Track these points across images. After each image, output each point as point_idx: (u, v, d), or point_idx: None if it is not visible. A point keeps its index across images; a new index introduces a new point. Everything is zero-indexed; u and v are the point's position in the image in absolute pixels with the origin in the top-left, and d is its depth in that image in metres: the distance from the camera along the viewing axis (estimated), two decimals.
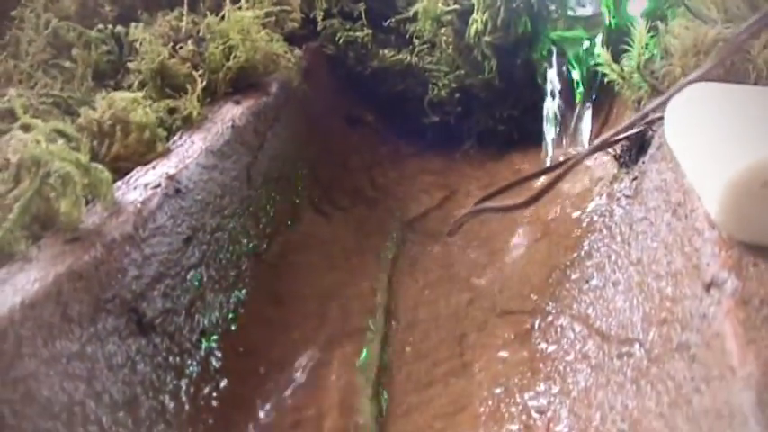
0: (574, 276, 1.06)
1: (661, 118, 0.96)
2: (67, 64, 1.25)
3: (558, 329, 0.98)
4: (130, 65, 1.22)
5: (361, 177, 1.53)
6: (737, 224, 0.67)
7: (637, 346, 0.79)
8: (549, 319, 1.02)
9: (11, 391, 0.65)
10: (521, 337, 1.02)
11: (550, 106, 1.51)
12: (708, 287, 0.65)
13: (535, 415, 0.87)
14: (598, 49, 1.17)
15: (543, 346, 0.97)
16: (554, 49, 1.54)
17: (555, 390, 0.88)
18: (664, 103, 0.94)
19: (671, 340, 0.70)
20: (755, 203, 0.65)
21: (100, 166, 0.88)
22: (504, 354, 1.00)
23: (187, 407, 0.87)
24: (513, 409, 0.89)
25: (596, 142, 1.12)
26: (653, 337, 0.75)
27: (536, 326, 1.02)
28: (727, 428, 0.53)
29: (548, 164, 1.43)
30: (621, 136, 1.09)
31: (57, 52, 1.27)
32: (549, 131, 1.51)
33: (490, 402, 0.91)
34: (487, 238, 1.29)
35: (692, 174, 0.78)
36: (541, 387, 0.90)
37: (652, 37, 1.10)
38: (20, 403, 0.66)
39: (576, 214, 1.21)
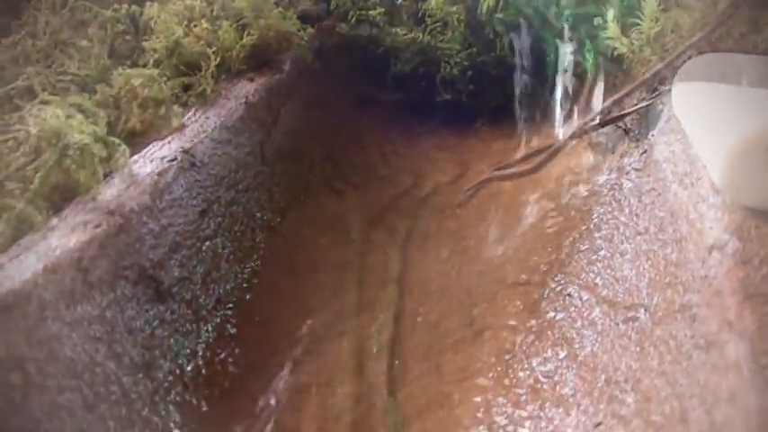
0: (583, 248, 1.07)
1: (669, 90, 0.97)
2: (84, 43, 1.27)
3: (566, 299, 1.00)
4: (146, 43, 1.24)
5: (374, 154, 1.54)
6: (741, 189, 0.68)
7: (642, 310, 0.80)
8: (558, 288, 1.03)
9: (36, 351, 0.68)
10: (529, 306, 1.03)
11: (562, 82, 1.51)
12: (710, 249, 0.66)
13: (542, 379, 0.88)
14: (609, 24, 1.17)
15: (551, 314, 0.99)
16: (565, 25, 1.54)
17: (562, 355, 0.90)
18: (658, 73, 0.95)
19: (674, 303, 0.72)
20: (759, 169, 0.67)
21: (117, 140, 0.90)
22: (513, 322, 1.01)
23: (204, 371, 0.90)
24: (521, 374, 0.91)
25: (591, 119, 1.13)
26: (657, 301, 0.77)
27: (545, 296, 1.04)
28: (723, 379, 0.55)
29: (560, 137, 1.44)
30: (627, 111, 1.10)
31: (73, 31, 1.30)
32: (561, 106, 1.51)
33: (499, 368, 0.93)
34: (498, 212, 1.30)
35: (698, 142, 0.79)
36: (549, 353, 0.92)
37: (663, 11, 1.10)
38: (44, 362, 0.69)
39: (586, 188, 1.21)
